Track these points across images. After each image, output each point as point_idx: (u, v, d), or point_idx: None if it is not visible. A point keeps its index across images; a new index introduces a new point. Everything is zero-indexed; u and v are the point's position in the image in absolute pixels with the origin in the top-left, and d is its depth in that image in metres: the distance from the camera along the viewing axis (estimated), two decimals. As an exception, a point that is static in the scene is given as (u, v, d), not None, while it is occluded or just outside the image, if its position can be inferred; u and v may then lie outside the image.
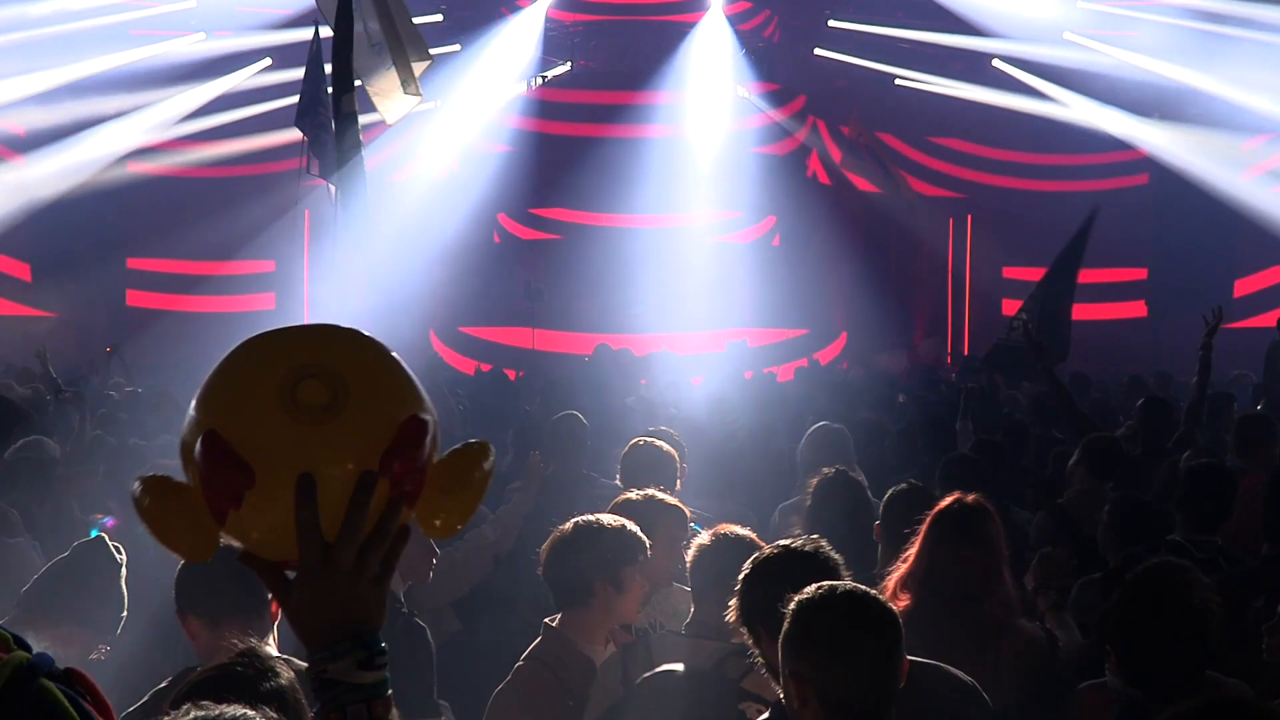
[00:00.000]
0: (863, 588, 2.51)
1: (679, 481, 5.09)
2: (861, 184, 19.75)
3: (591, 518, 3.66)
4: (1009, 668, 3.56)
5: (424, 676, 3.79)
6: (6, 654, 1.29)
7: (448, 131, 19.09)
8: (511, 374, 14.35)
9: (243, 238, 18.29)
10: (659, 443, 5.26)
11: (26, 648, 1.33)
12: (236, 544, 1.43)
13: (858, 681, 2.39)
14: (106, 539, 3.79)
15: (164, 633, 3.55)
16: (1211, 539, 4.57)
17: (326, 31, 7.99)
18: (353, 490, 1.38)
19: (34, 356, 9.21)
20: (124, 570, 3.67)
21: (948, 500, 3.82)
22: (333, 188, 7.77)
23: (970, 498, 3.82)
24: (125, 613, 3.65)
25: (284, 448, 1.38)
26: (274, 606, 3.08)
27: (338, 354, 1.45)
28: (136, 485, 1.43)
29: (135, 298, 19.35)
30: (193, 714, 1.74)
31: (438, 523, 1.47)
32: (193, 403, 1.45)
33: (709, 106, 18.82)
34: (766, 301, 19.02)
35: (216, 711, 1.75)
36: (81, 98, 16.65)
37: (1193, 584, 3.07)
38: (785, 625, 2.46)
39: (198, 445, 1.38)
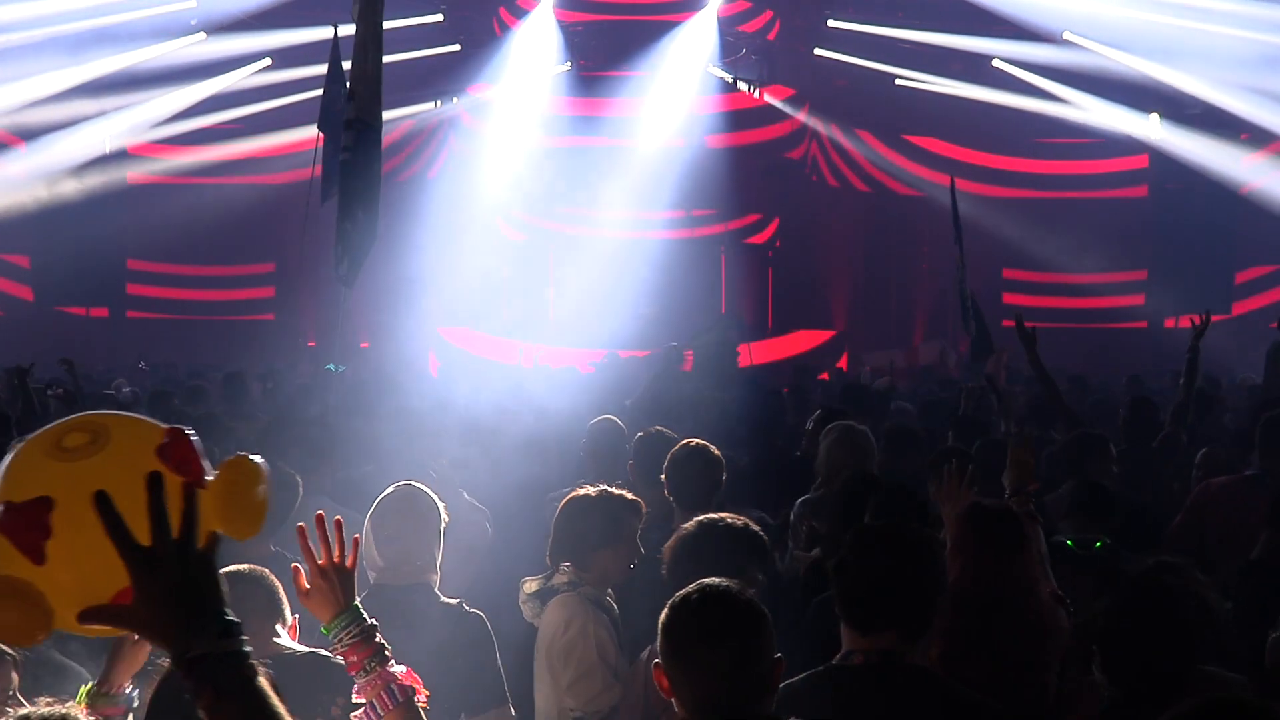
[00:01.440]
0: (729, 588, 2.49)
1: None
2: (861, 184, 19.80)
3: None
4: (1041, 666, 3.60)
5: (487, 665, 3.75)
6: None
7: (448, 131, 19.13)
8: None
9: (243, 244, 18.33)
10: (666, 430, 5.34)
11: None
12: (65, 624, 1.57)
13: (708, 689, 2.40)
14: None
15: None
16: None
17: (345, 30, 7.87)
18: (146, 491, 1.52)
19: (60, 364, 9.19)
20: None
21: (978, 504, 3.84)
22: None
23: (1000, 504, 3.85)
24: None
25: (64, 480, 1.56)
26: (292, 630, 3.15)
27: (88, 418, 1.68)
28: None
29: (136, 303, 19.35)
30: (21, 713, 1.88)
31: (225, 510, 1.65)
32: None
33: (705, 108, 18.83)
34: (765, 303, 19.04)
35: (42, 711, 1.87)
36: (83, 97, 16.68)
37: (1183, 593, 3.07)
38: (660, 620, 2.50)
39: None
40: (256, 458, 1.68)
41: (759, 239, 20.16)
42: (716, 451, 4.81)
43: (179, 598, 1.49)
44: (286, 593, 3.19)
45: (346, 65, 8.69)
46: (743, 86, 18.94)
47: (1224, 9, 14.98)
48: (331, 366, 8.74)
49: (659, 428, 5.74)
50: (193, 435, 1.64)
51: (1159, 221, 18.92)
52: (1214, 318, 7.48)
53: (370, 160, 6.89)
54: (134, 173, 18.52)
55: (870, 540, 3.06)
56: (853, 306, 20.48)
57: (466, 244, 18.05)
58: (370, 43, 6.83)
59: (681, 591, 2.50)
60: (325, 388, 8.75)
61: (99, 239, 17.78)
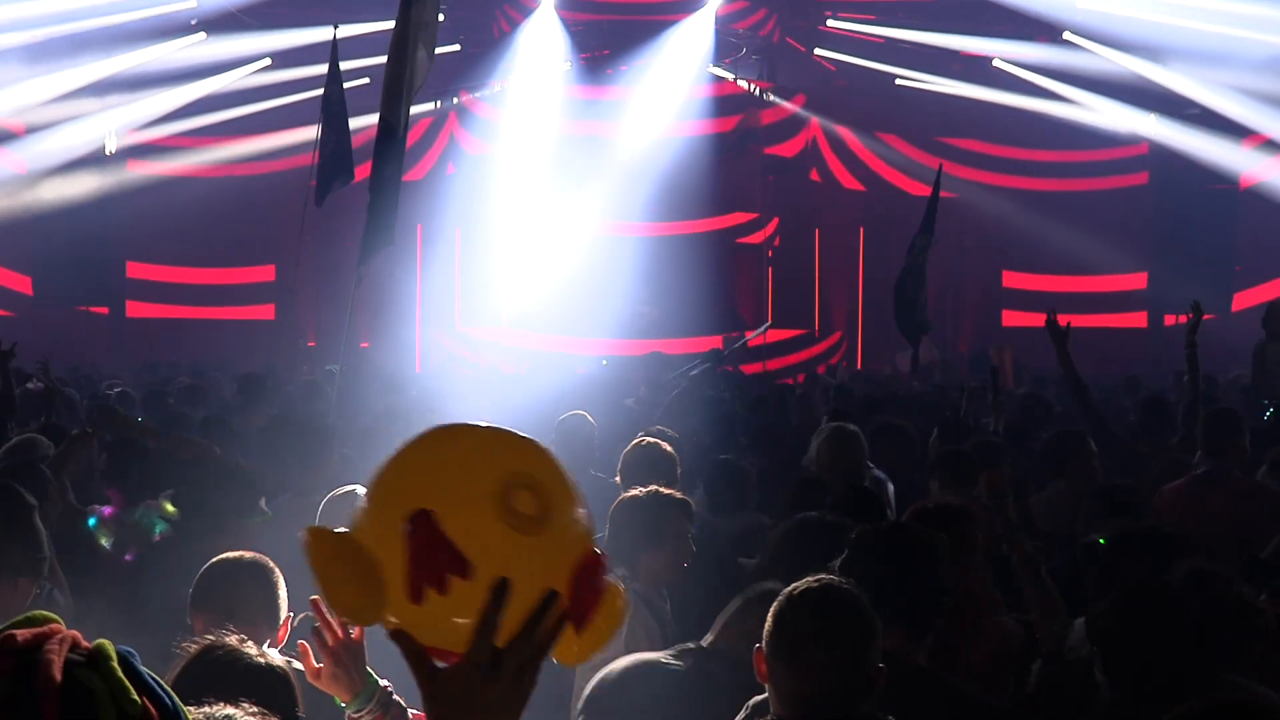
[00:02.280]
0: (840, 590, 2.52)
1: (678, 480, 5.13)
2: (860, 184, 19.79)
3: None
4: (981, 668, 3.57)
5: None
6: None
7: (450, 131, 19.14)
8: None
9: (244, 242, 18.33)
10: (661, 442, 5.33)
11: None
12: (395, 621, 1.48)
13: (813, 688, 2.42)
14: (13, 484, 3.78)
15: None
16: None
17: (344, 32, 7.86)
18: (537, 605, 1.45)
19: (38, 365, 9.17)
20: (37, 510, 3.66)
21: (929, 501, 3.84)
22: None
23: (946, 499, 3.83)
24: (46, 554, 3.62)
25: (492, 550, 1.45)
26: (284, 626, 3.11)
27: (540, 466, 1.54)
28: (307, 536, 1.50)
29: (135, 306, 19.35)
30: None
31: (575, 649, 1.54)
32: (385, 476, 1.52)
33: (705, 107, 18.84)
34: (765, 303, 19.04)
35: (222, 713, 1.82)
36: (83, 97, 16.69)
37: (1181, 594, 3.07)
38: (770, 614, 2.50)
39: (409, 523, 1.44)
40: (622, 588, 1.57)
41: (758, 238, 20.16)
42: (668, 447, 4.86)
43: (485, 709, 1.44)
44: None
45: (345, 65, 8.67)
46: (743, 84, 18.96)
47: (1224, 9, 14.99)
48: (333, 368, 8.74)
49: (651, 440, 5.75)
50: (605, 566, 1.53)
51: (1159, 218, 18.92)
52: (1209, 315, 7.37)
53: (396, 163, 6.93)
54: (134, 172, 18.51)
55: (873, 540, 3.06)
56: (852, 308, 20.48)
57: (466, 244, 18.08)
58: (406, 44, 6.81)
59: (800, 585, 2.49)
60: (327, 388, 8.76)
61: (99, 238, 17.79)
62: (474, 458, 1.52)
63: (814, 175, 20.48)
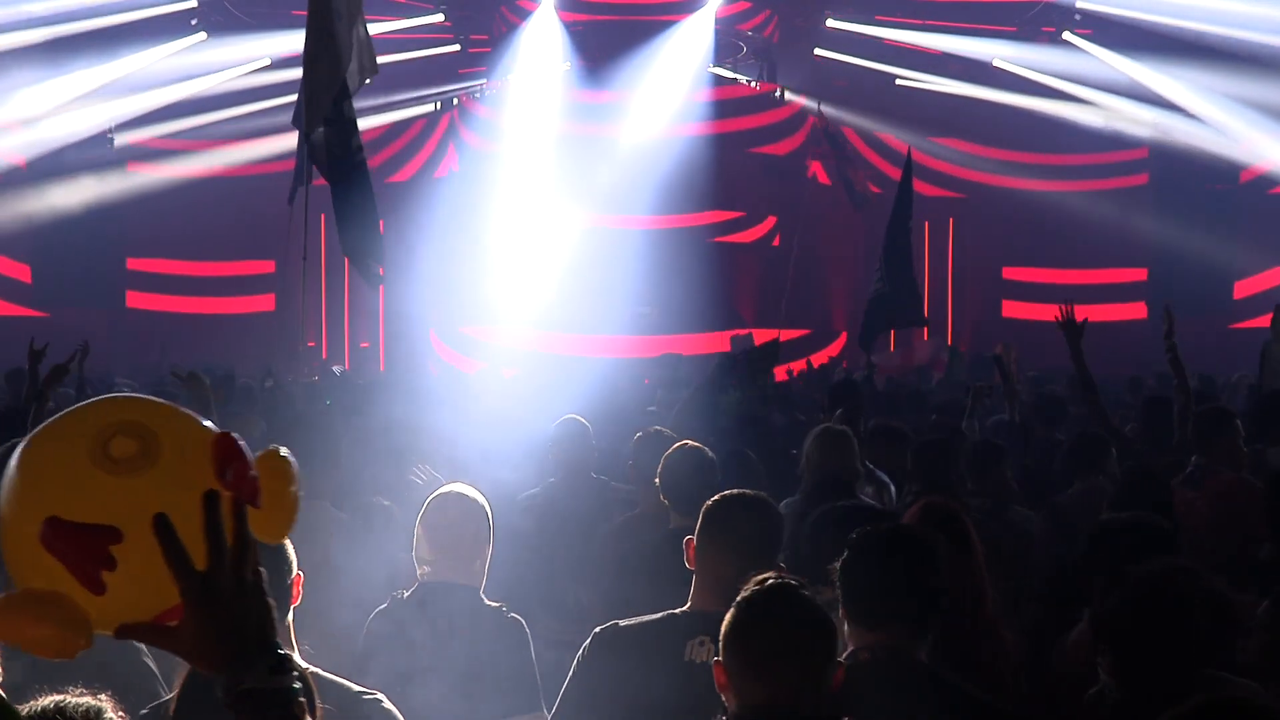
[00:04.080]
0: (798, 590, 2.51)
1: None
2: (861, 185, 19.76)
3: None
4: (990, 670, 3.57)
5: (525, 671, 3.79)
6: None
7: (451, 131, 19.14)
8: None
9: (243, 238, 18.32)
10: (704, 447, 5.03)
11: None
12: (103, 631, 1.45)
13: (777, 686, 2.41)
14: None
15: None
16: None
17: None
18: (203, 514, 1.43)
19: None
20: None
21: (924, 503, 3.84)
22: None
23: (940, 501, 3.84)
24: None
25: (123, 502, 1.42)
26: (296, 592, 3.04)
27: (127, 410, 1.51)
28: None
29: (135, 299, 19.36)
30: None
31: (273, 523, 1.53)
32: (3, 509, 1.47)
33: (705, 106, 18.84)
34: (766, 302, 19.03)
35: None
36: (83, 96, 16.70)
37: (1195, 590, 3.07)
38: (726, 618, 2.50)
39: (43, 533, 1.41)
40: (285, 452, 1.56)
41: (756, 237, 20.16)
42: (711, 454, 4.75)
43: (233, 628, 1.43)
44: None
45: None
46: (744, 81, 18.98)
47: (1223, 10, 15.01)
48: (336, 368, 8.75)
49: (658, 428, 5.75)
50: (240, 440, 1.51)
51: (1159, 219, 18.93)
52: (1212, 317, 7.36)
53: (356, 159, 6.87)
54: (134, 171, 18.51)
55: (874, 538, 3.08)
56: (852, 306, 20.47)
57: (466, 243, 18.07)
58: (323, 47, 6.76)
59: (758, 592, 2.50)
60: (329, 388, 8.76)
61: (99, 238, 17.79)
62: (55, 443, 1.49)
63: (813, 174, 20.48)
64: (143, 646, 3.21)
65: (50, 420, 1.54)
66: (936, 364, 16.27)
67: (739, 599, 2.50)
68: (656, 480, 4.68)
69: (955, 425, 7.34)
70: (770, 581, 2.53)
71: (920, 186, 19.92)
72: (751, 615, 2.47)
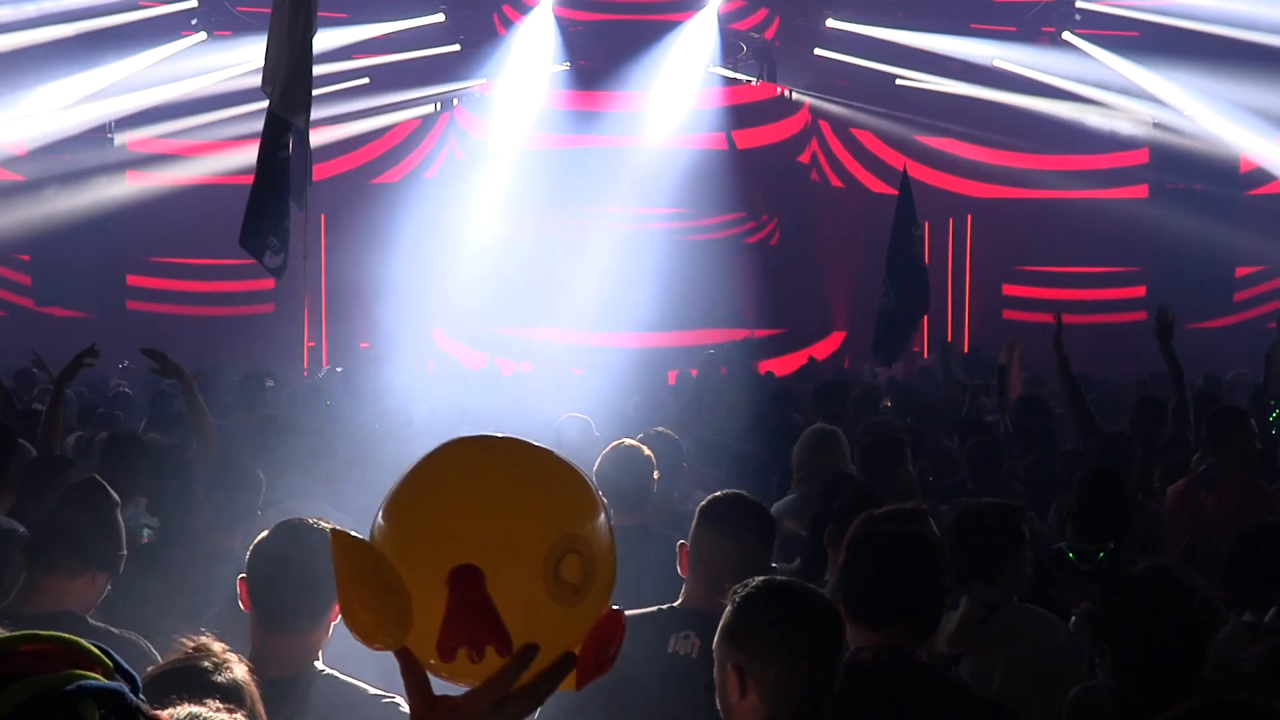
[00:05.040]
0: (803, 583, 2.58)
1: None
2: (860, 184, 19.78)
3: None
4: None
5: None
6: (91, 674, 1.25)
7: (448, 131, 19.14)
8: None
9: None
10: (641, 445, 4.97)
11: (126, 674, 1.29)
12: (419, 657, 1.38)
13: (798, 677, 2.43)
14: (97, 478, 3.79)
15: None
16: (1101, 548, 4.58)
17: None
18: (552, 666, 1.38)
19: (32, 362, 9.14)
20: (118, 506, 3.67)
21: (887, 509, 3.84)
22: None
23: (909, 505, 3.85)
24: (124, 551, 3.64)
25: (535, 622, 1.36)
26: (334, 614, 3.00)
27: (591, 524, 1.43)
28: (334, 539, 1.38)
29: (135, 301, 19.34)
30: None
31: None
32: (428, 498, 1.40)
33: (705, 106, 18.84)
34: (766, 301, 19.04)
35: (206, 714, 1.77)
36: (83, 97, 16.70)
37: (1191, 588, 3.08)
38: (726, 617, 2.51)
39: (455, 577, 1.33)
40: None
41: (757, 238, 20.16)
42: (648, 452, 4.73)
43: None
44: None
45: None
46: (744, 78, 18.98)
47: (1223, 9, 15.00)
48: (337, 368, 8.74)
49: (660, 429, 5.75)
50: (624, 622, 1.45)
51: (1159, 219, 18.92)
52: (1212, 318, 7.38)
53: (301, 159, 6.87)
54: (133, 172, 18.51)
55: (876, 538, 3.08)
56: (853, 307, 20.47)
57: (465, 243, 18.06)
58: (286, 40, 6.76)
59: (755, 583, 2.53)
60: (330, 389, 8.75)
61: (98, 238, 17.79)
62: (533, 509, 1.39)
63: (814, 175, 20.48)
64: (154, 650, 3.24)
65: (528, 476, 1.42)
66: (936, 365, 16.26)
67: (737, 593, 2.52)
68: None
69: (892, 423, 7.29)
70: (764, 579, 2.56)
71: (920, 186, 20.04)
72: (755, 598, 2.51)
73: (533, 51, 18.08)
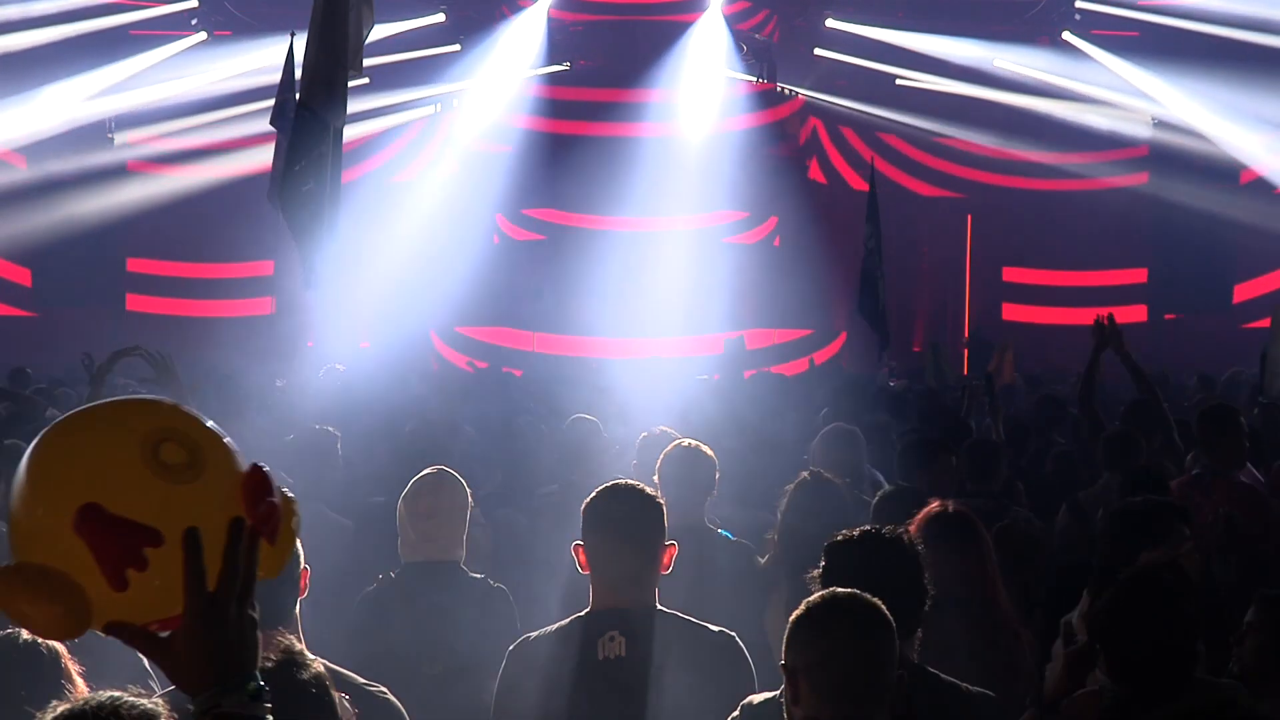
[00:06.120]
0: (860, 593, 2.54)
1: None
2: (860, 184, 19.76)
3: None
4: (1023, 667, 3.60)
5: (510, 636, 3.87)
6: None
7: (447, 131, 19.13)
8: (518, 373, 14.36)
9: (243, 239, 18.32)
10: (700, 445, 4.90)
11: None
12: (104, 618, 1.46)
13: (843, 663, 2.42)
14: None
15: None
16: None
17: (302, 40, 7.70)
18: (227, 539, 1.47)
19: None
20: None
21: (934, 507, 3.86)
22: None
23: (953, 506, 3.88)
24: None
25: (165, 507, 1.45)
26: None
27: (170, 417, 1.54)
28: None
29: (135, 301, 19.35)
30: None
31: (272, 561, 1.56)
32: (27, 485, 1.47)
33: (706, 105, 18.83)
34: (766, 302, 19.04)
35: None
36: (83, 96, 16.71)
37: (1183, 585, 3.09)
38: (787, 629, 2.52)
39: (80, 518, 1.42)
40: (291, 493, 1.60)
41: (757, 237, 20.15)
42: (709, 451, 4.72)
43: (225, 651, 1.48)
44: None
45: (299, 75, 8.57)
46: (745, 77, 18.99)
47: (1224, 9, 15.00)
48: (337, 367, 8.75)
49: (663, 428, 5.76)
50: (272, 475, 1.55)
51: (1158, 219, 18.93)
52: (1212, 317, 7.36)
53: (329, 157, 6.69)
54: (134, 171, 18.51)
55: (856, 541, 3.09)
56: (852, 307, 20.46)
57: (466, 243, 18.06)
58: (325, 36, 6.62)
59: (815, 597, 2.53)
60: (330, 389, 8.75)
61: (99, 237, 17.80)
62: (106, 434, 1.50)
63: (813, 174, 20.48)
64: None
65: (89, 408, 1.56)
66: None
67: (807, 607, 2.51)
68: (655, 477, 4.67)
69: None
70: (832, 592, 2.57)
71: (920, 186, 20.04)
72: (811, 604, 2.52)
73: (514, 50, 18.05)
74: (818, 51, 18.73)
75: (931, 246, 20.55)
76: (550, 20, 18.12)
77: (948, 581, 3.65)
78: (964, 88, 18.35)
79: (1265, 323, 9.42)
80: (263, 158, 17.83)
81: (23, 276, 18.71)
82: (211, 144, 18.21)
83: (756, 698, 2.89)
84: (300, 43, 7.34)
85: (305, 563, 3.09)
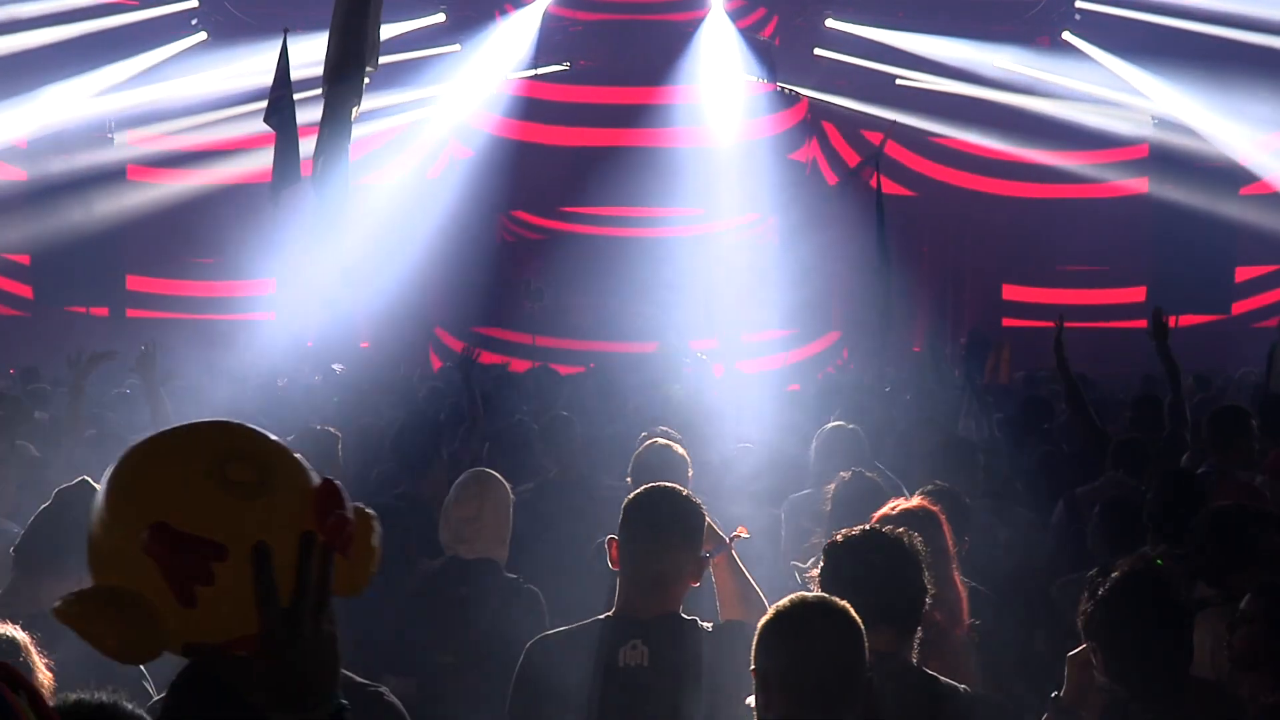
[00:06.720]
0: (829, 598, 2.58)
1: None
2: (865, 184, 19.73)
3: None
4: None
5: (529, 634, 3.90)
6: None
7: (445, 131, 19.13)
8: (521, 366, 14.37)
9: (243, 242, 18.33)
10: (671, 444, 5.08)
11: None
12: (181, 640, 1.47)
13: (815, 667, 2.43)
14: (90, 480, 3.73)
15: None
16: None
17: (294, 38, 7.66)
18: (298, 553, 1.47)
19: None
20: None
21: (888, 507, 3.84)
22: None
23: (915, 502, 3.85)
24: None
25: (233, 523, 1.46)
26: None
27: (237, 437, 1.56)
28: (67, 599, 1.48)
29: (135, 304, 19.35)
30: None
31: (351, 578, 1.56)
32: (104, 508, 1.52)
33: (708, 106, 18.83)
34: (766, 302, 19.02)
35: None
36: (83, 97, 16.71)
37: (1173, 582, 3.10)
38: (757, 633, 2.53)
39: (145, 539, 1.44)
40: (371, 510, 1.60)
41: (764, 238, 20.15)
42: (681, 450, 4.77)
43: (303, 669, 1.45)
44: None
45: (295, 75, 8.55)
46: (750, 77, 19.00)
47: (1224, 10, 15.01)
48: (337, 367, 8.75)
49: (663, 428, 5.76)
50: (344, 490, 1.55)
51: (1158, 219, 18.92)
52: (1213, 316, 7.39)
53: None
54: (134, 172, 18.51)
55: (859, 542, 3.09)
56: (851, 308, 20.48)
57: (465, 243, 18.07)
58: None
59: (781, 608, 2.53)
60: (332, 388, 8.76)
61: (99, 238, 17.79)
62: (176, 456, 1.52)
63: (813, 174, 20.48)
64: None
65: (159, 434, 1.57)
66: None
67: (776, 613, 2.52)
68: (628, 479, 4.72)
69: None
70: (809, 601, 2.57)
71: (921, 186, 20.03)
72: (777, 610, 2.53)
73: (505, 50, 18.05)
74: (817, 51, 18.74)
75: (931, 247, 20.55)
76: (547, 19, 18.10)
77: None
78: (964, 88, 18.36)
79: (1273, 322, 9.45)
80: (263, 160, 17.90)
81: (22, 276, 18.70)
82: (212, 145, 18.22)
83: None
84: (294, 41, 7.34)
85: None
